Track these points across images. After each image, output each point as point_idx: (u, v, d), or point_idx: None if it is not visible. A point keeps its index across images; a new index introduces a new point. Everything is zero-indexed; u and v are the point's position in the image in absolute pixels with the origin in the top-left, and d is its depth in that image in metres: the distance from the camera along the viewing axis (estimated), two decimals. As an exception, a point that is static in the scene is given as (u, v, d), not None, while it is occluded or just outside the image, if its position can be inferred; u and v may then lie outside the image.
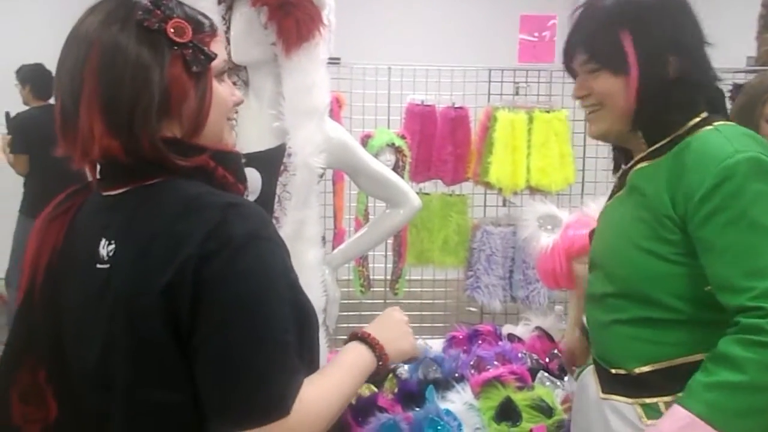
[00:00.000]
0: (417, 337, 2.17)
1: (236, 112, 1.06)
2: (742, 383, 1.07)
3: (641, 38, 1.23)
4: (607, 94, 1.27)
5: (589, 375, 1.41)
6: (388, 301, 3.63)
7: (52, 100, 4.09)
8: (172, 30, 0.89)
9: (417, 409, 1.67)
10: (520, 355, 1.88)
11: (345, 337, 1.06)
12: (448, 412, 1.66)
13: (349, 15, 3.74)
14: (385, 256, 3.49)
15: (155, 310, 0.85)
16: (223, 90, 0.97)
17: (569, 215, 1.95)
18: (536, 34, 3.45)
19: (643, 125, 1.26)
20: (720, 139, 1.17)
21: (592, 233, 1.46)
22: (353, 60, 3.43)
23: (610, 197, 1.38)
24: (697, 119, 1.24)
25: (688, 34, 1.25)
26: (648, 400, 1.25)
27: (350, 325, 2.59)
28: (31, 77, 4.16)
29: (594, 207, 1.97)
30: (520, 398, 1.72)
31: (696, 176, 1.15)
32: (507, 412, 1.68)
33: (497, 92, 3.56)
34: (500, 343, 1.94)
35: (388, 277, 3.50)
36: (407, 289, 3.56)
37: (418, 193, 3.43)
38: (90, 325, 0.93)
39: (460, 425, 1.64)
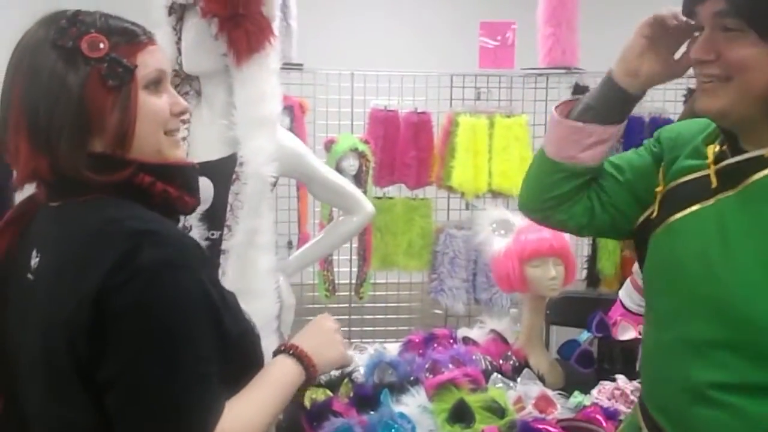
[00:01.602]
0: (380, 340, 2.19)
1: (183, 123, 1.04)
2: None
3: None
4: (744, 65, 0.93)
5: None
6: (353, 305, 3.66)
7: None
8: (85, 46, 0.88)
9: (372, 412, 1.68)
10: (474, 357, 1.90)
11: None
12: (402, 415, 1.67)
13: (313, 21, 3.79)
14: (350, 261, 3.51)
15: (58, 338, 0.85)
16: (156, 101, 0.95)
17: (522, 220, 1.99)
18: (498, 38, 3.51)
19: None
20: None
21: (641, 241, 1.12)
22: (317, 66, 3.47)
23: (700, 198, 1.02)
24: None
25: None
26: None
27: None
28: None
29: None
30: (473, 400, 1.74)
31: None
32: (460, 414, 1.70)
33: (459, 97, 3.61)
34: (455, 346, 1.96)
35: (353, 282, 3.52)
36: (372, 293, 3.59)
37: (381, 198, 3.52)
38: (21, 331, 0.94)
39: (413, 428, 1.65)
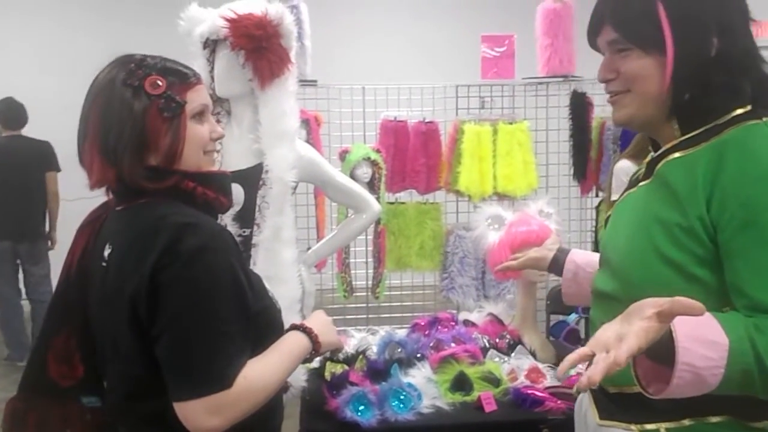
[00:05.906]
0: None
1: (220, 144, 1.29)
2: None
3: (679, 13, 1.08)
4: (637, 76, 1.12)
5: (587, 399, 1.29)
6: (370, 305, 3.90)
7: (22, 131, 4.26)
8: (148, 85, 1.13)
9: (383, 383, 1.93)
10: (473, 336, 2.15)
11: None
12: (410, 385, 1.90)
13: (326, 40, 4.06)
14: (366, 263, 3.73)
15: (124, 310, 1.10)
16: (200, 128, 1.18)
17: (513, 215, 2.24)
18: (496, 50, 3.73)
19: (680, 111, 1.12)
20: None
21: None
22: (330, 81, 3.72)
23: (634, 184, 1.23)
24: (742, 110, 1.09)
25: (733, 11, 1.10)
26: (649, 426, 1.12)
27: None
28: (1, 110, 4.32)
29: (533, 207, 2.26)
30: (472, 372, 1.97)
31: (738, 177, 1.02)
32: (461, 384, 1.93)
33: (464, 107, 3.82)
34: (456, 327, 2.21)
35: (370, 283, 3.72)
36: (388, 293, 3.78)
37: (394, 203, 3.77)
38: (97, 309, 1.21)
39: (420, 395, 1.89)
